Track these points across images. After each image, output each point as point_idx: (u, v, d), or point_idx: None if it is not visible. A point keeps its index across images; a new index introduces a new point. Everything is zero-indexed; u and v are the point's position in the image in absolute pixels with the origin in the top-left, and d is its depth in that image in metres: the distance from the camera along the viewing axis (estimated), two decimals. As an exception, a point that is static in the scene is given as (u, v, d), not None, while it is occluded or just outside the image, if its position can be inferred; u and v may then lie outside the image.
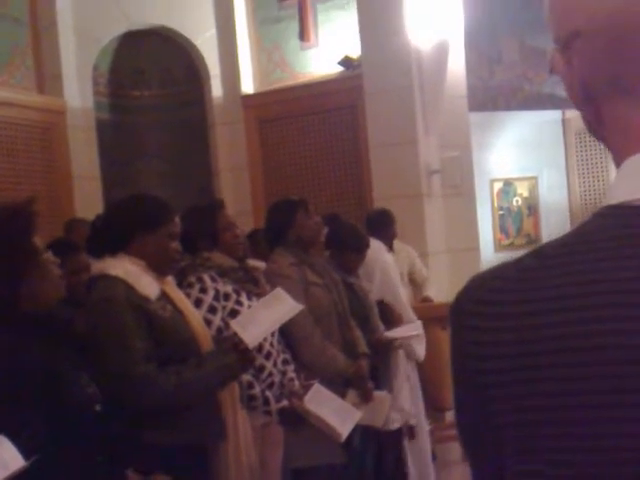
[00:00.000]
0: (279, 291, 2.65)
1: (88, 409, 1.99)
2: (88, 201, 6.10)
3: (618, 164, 0.63)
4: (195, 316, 2.44)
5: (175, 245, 2.37)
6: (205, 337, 2.40)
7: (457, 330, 0.65)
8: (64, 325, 2.14)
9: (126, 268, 2.25)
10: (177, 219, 2.40)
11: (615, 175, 0.62)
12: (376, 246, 3.95)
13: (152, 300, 2.25)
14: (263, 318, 2.48)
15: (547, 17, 0.69)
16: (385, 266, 4.02)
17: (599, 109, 0.65)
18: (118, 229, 2.32)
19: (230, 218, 2.93)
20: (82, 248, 3.27)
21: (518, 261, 0.63)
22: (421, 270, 5.26)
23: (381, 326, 3.64)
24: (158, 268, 2.33)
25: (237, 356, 2.33)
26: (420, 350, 4.05)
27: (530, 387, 0.58)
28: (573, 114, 6.89)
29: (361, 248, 3.62)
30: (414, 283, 5.25)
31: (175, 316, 2.31)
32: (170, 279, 2.45)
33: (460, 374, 0.66)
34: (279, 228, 3.25)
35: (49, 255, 2.07)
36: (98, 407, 2.01)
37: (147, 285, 2.26)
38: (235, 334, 2.39)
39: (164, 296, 2.33)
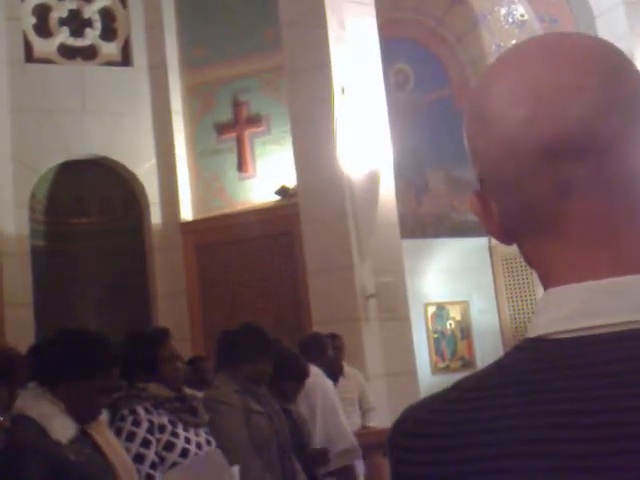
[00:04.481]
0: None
1: None
2: (19, 328, 5.94)
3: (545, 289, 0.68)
4: (120, 458, 2.29)
5: (103, 400, 2.24)
6: None
7: (391, 461, 0.65)
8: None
9: (41, 410, 2.14)
10: (117, 371, 2.27)
11: (536, 306, 0.68)
12: (314, 372, 3.98)
13: (64, 444, 2.11)
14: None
15: None
16: (325, 391, 4.04)
17: (520, 245, 0.67)
18: (51, 363, 2.20)
19: (173, 350, 2.85)
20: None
21: (436, 397, 0.64)
22: (367, 397, 5.22)
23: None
24: (76, 416, 2.18)
25: None
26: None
27: None
28: (498, 241, 7.23)
29: (301, 378, 3.67)
30: (361, 410, 5.19)
31: (92, 460, 2.16)
32: (101, 416, 2.31)
33: None
34: (239, 360, 3.16)
35: None
36: None
37: (60, 429, 2.12)
38: None
39: (86, 437, 2.20)
